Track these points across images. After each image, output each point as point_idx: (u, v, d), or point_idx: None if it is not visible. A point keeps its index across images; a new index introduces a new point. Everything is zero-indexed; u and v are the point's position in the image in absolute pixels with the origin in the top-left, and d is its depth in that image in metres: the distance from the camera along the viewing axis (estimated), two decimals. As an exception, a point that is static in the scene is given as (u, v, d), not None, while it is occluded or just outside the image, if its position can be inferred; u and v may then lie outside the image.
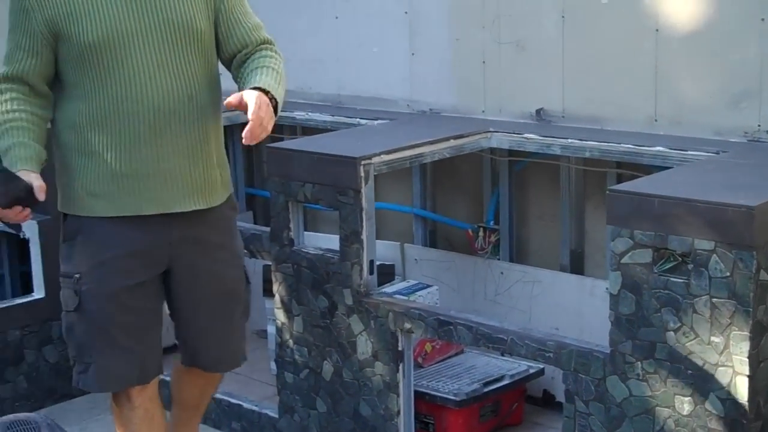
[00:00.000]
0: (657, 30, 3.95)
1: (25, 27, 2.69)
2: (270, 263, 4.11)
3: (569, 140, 4.02)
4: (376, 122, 4.61)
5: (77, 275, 2.80)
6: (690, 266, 2.94)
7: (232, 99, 2.61)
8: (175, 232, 2.83)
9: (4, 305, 4.48)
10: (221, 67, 2.97)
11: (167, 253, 2.85)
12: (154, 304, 2.92)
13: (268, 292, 4.46)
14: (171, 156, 2.76)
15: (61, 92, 2.77)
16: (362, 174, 3.71)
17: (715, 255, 2.88)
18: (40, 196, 2.58)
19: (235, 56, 2.87)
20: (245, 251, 3.45)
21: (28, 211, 2.64)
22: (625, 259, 3.06)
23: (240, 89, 2.73)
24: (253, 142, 2.60)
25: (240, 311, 3.07)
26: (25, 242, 4.56)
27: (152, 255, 2.83)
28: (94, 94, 2.69)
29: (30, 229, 4.45)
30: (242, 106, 2.59)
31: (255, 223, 5.42)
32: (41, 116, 2.76)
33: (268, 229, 4.09)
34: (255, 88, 2.66)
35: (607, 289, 3.21)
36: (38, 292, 4.50)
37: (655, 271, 3.00)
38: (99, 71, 2.68)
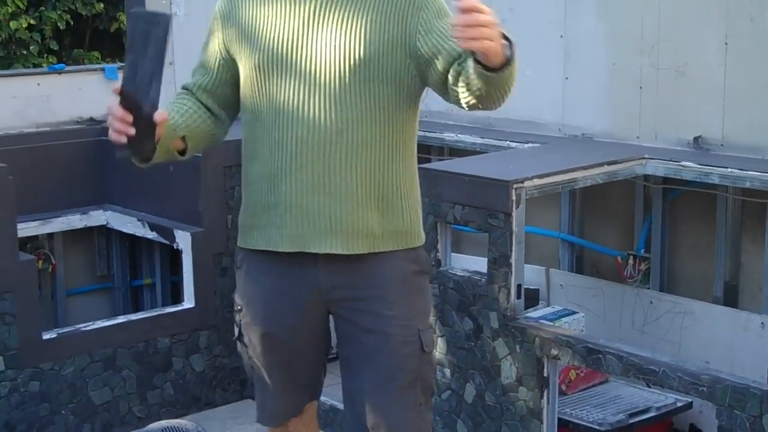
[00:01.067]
0: (826, 58, 3.80)
1: (208, 46, 2.66)
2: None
3: (729, 169, 3.90)
4: (526, 145, 4.58)
5: (239, 307, 2.69)
6: None
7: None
8: (323, 277, 2.54)
9: (155, 313, 4.60)
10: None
11: (320, 299, 2.58)
12: (309, 344, 2.67)
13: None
14: (312, 192, 2.48)
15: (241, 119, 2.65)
16: (514, 197, 3.67)
17: None
18: (157, 116, 2.32)
19: (449, 71, 2.39)
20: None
21: (130, 129, 2.30)
22: (789, 296, 2.94)
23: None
24: (465, 37, 2.13)
25: (407, 380, 2.58)
26: (178, 252, 4.69)
27: (301, 298, 2.58)
28: (254, 121, 2.54)
29: (183, 240, 4.58)
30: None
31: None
32: (206, 115, 2.64)
33: (415, 248, 4.08)
34: None
35: (762, 324, 3.09)
36: (188, 302, 4.62)
37: (822, 309, 2.88)
38: (259, 97, 2.53)
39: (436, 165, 4.25)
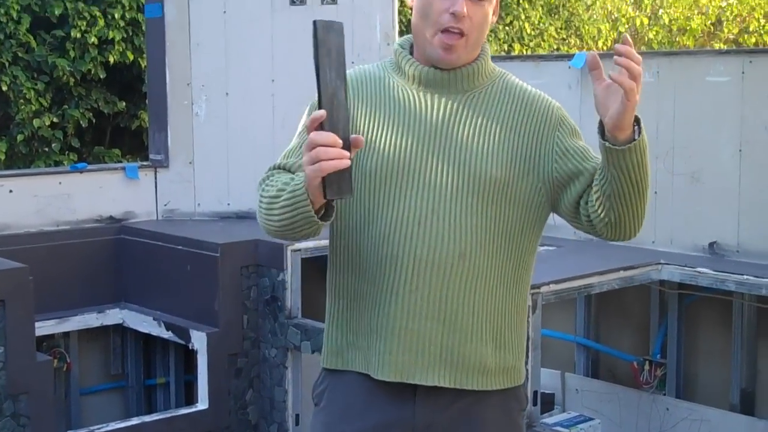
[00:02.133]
0: (840, 168, 3.83)
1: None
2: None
3: (745, 276, 3.90)
4: (542, 248, 4.59)
5: None
6: None
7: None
8: (420, 413, 2.23)
9: (169, 415, 4.58)
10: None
11: None
12: None
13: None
14: (425, 317, 2.21)
15: (332, 227, 2.32)
16: (530, 303, 3.67)
17: None
18: (354, 138, 2.03)
19: (582, 196, 2.24)
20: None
21: (346, 153, 1.98)
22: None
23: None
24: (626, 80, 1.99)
25: None
26: (192, 352, 4.69)
27: None
28: (359, 231, 2.24)
29: (198, 341, 4.58)
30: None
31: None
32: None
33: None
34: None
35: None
36: (202, 403, 4.59)
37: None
38: (369, 205, 2.23)
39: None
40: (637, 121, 2.10)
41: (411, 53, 2.29)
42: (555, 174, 2.24)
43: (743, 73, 4.11)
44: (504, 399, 2.30)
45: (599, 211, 2.18)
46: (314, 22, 1.97)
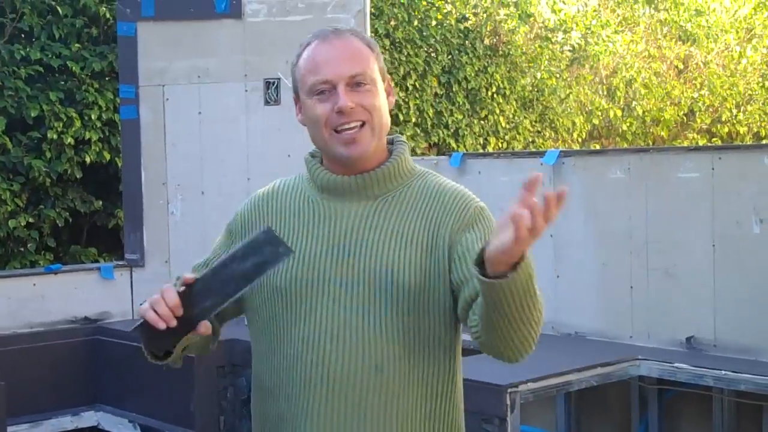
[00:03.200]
0: (813, 261, 3.86)
1: (219, 249, 2.25)
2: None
3: (722, 372, 3.90)
4: (520, 345, 4.57)
5: None
6: None
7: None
8: None
9: None
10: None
11: None
12: None
13: None
14: None
15: (252, 348, 2.24)
16: (508, 402, 3.66)
17: None
18: (202, 327, 1.96)
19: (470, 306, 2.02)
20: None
21: (172, 321, 1.95)
22: None
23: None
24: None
25: None
26: (169, 454, 4.62)
27: None
28: (274, 351, 2.13)
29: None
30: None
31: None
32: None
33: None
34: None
35: None
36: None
37: None
38: (282, 324, 2.12)
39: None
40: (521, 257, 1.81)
41: (321, 163, 2.17)
42: (452, 275, 2.06)
43: (713, 169, 4.16)
44: None
45: (475, 329, 1.98)
46: (267, 228, 1.94)
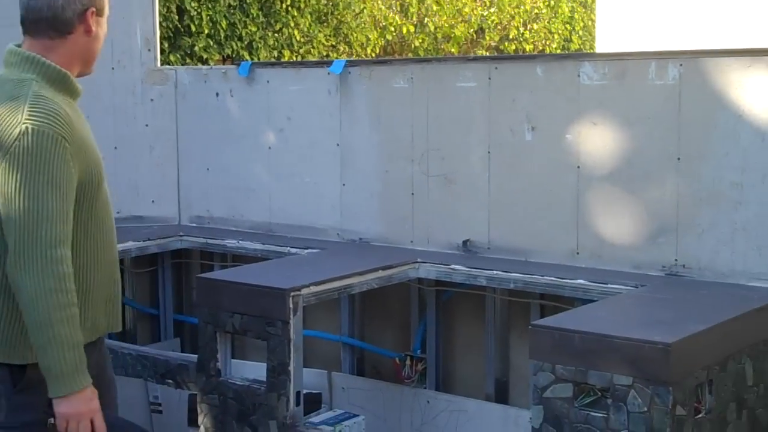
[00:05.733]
0: (578, 167, 4.10)
1: (69, 177, 2.57)
2: (195, 393, 4.09)
3: (494, 272, 4.11)
4: (306, 251, 4.67)
5: (51, 420, 2.58)
6: (609, 401, 3.00)
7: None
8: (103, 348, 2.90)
9: None
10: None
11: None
12: None
13: (193, 422, 4.41)
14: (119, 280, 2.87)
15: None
16: (291, 305, 3.74)
17: (633, 390, 2.95)
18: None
19: None
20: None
21: None
22: (547, 393, 3.11)
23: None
24: None
25: None
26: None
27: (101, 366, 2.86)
28: (95, 228, 2.71)
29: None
30: None
31: (182, 350, 5.39)
32: None
33: (194, 358, 4.08)
34: None
35: (530, 419, 3.25)
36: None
37: (576, 405, 3.06)
38: (97, 208, 2.71)
39: (215, 274, 4.28)
40: None
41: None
42: None
43: (489, 78, 4.33)
44: None
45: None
46: None
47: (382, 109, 4.69)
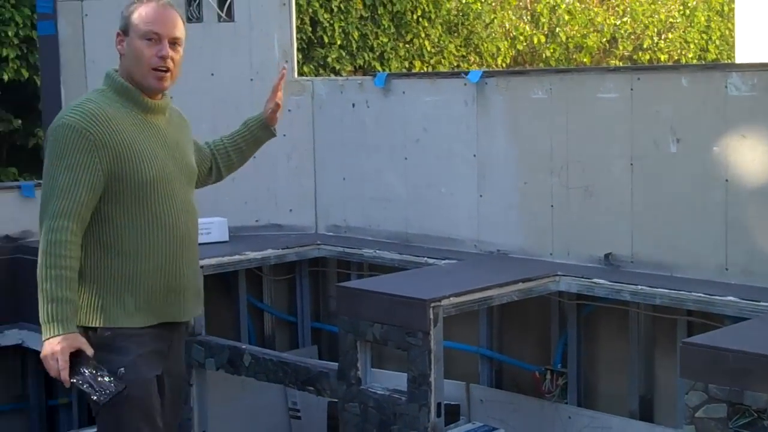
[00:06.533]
0: (727, 180, 3.98)
1: (88, 165, 2.98)
2: (335, 400, 4.12)
3: (639, 287, 4.02)
4: (443, 262, 4.66)
5: (121, 369, 3.00)
6: (766, 423, 2.89)
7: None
8: (174, 337, 3.23)
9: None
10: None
11: (166, 355, 3.19)
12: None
13: (333, 430, 4.45)
14: (195, 273, 3.26)
15: (99, 222, 3.06)
16: (431, 316, 3.73)
17: (792, 412, 2.85)
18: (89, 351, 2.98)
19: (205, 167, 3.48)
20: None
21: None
22: (700, 413, 3.02)
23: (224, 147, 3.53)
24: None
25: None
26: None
27: (163, 354, 3.16)
28: (145, 223, 3.08)
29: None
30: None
31: (320, 357, 5.44)
32: (79, 259, 3.03)
33: (334, 365, 4.11)
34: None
35: (678, 439, 3.16)
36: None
37: (731, 426, 2.96)
38: (150, 204, 3.08)
39: (355, 283, 4.30)
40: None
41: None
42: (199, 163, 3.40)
43: (632, 89, 4.24)
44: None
45: (229, 164, 3.53)
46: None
47: (519, 119, 4.65)
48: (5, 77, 6.78)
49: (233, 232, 5.24)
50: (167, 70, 3.11)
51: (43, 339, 2.93)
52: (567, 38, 11.93)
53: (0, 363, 5.20)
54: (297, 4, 8.39)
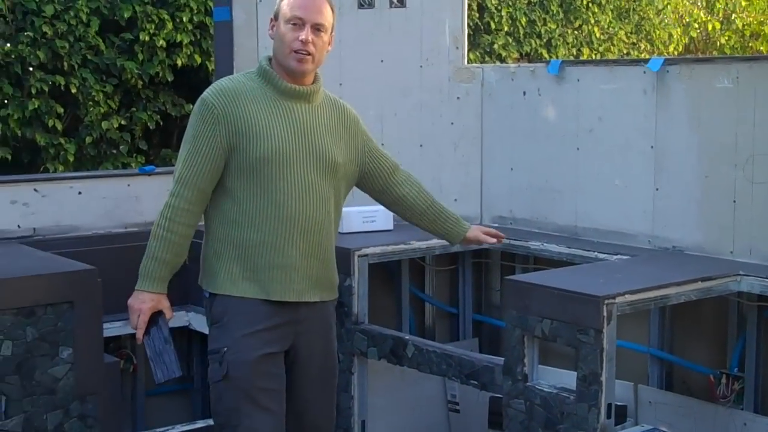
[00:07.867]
0: None
1: (208, 136, 3.25)
2: (498, 396, 4.02)
3: (829, 290, 3.77)
4: (615, 257, 4.49)
5: (225, 348, 3.28)
6: None
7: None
8: (301, 316, 3.38)
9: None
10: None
11: (294, 331, 3.38)
12: (283, 372, 3.39)
13: (494, 425, 4.35)
14: (310, 256, 3.37)
15: (222, 194, 3.33)
16: (605, 314, 3.58)
17: None
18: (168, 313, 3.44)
19: (379, 181, 3.68)
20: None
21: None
22: None
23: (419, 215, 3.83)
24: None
25: (336, 385, 3.68)
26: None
27: (284, 331, 3.35)
28: (257, 197, 3.28)
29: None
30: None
31: (480, 350, 5.34)
32: (194, 227, 3.36)
33: (499, 360, 4.01)
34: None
35: None
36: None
37: None
38: (264, 180, 3.28)
39: (523, 277, 4.17)
40: None
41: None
42: (366, 166, 3.62)
43: (829, 78, 3.97)
44: (333, 303, 3.61)
45: (400, 213, 3.86)
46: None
47: (702, 109, 4.42)
48: (179, 62, 6.93)
49: (397, 221, 5.19)
50: (308, 54, 3.30)
51: (136, 288, 3.35)
52: (743, 25, 11.44)
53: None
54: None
